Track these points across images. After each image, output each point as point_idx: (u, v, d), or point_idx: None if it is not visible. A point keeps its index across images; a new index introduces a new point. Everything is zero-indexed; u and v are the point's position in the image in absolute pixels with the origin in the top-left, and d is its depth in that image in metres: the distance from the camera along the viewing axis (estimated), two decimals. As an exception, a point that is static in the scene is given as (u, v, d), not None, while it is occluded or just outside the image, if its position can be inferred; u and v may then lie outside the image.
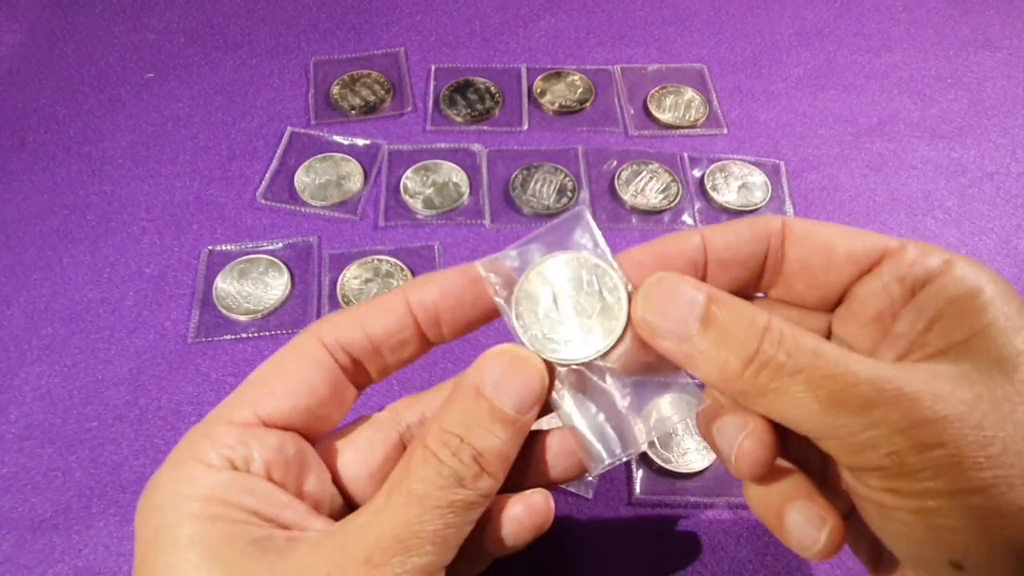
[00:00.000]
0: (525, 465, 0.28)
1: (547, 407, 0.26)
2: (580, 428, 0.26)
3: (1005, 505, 0.20)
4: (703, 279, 0.27)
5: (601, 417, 0.26)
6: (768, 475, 0.25)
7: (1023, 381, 0.22)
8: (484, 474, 0.24)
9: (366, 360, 0.27)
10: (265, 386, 0.26)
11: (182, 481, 0.24)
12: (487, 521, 0.27)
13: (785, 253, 0.27)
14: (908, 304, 0.25)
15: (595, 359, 0.26)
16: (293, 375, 0.26)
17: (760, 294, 0.29)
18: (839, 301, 0.28)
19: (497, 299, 0.26)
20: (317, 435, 0.28)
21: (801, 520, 0.25)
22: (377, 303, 0.27)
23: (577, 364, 0.26)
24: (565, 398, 0.26)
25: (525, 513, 0.27)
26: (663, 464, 0.41)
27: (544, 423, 0.28)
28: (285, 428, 0.26)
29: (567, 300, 0.26)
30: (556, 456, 0.28)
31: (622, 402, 0.26)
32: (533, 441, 0.28)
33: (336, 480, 0.28)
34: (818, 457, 0.28)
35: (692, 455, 0.42)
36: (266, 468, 0.25)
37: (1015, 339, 0.22)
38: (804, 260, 0.27)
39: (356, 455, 0.28)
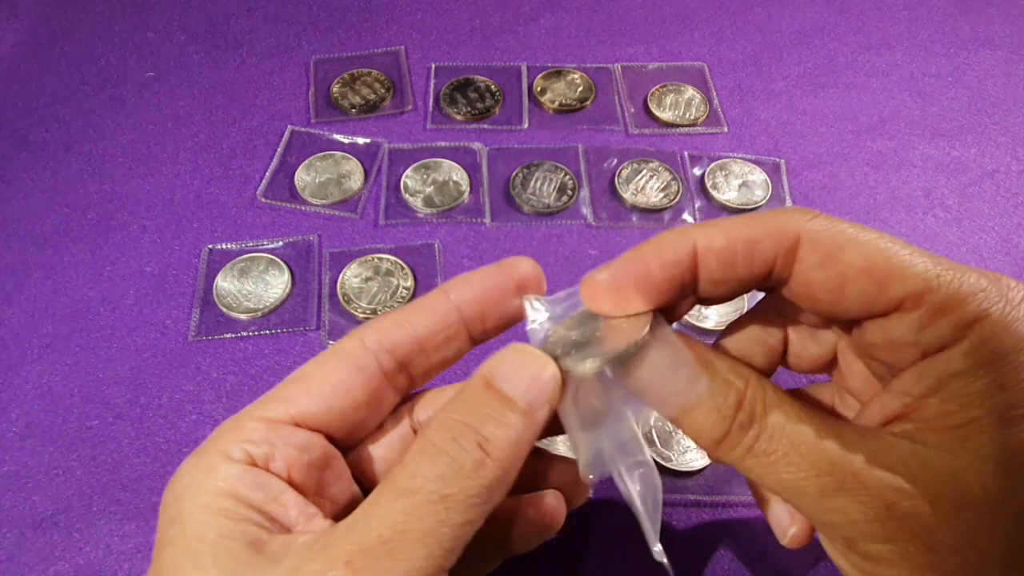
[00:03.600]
0: (534, 476, 0.28)
1: (558, 421, 0.25)
2: (583, 438, 0.25)
3: None
4: (693, 284, 0.25)
5: (606, 428, 0.25)
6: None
7: (997, 499, 0.21)
8: (488, 460, 0.22)
9: (411, 361, 0.27)
10: (302, 385, 0.25)
11: (201, 470, 0.23)
12: (496, 522, 0.25)
13: (792, 274, 0.24)
14: (913, 367, 0.23)
15: (603, 368, 0.24)
16: (330, 377, 0.25)
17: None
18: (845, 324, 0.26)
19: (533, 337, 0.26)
20: (351, 440, 0.27)
21: (782, 512, 0.29)
22: (418, 305, 0.27)
23: (584, 371, 0.25)
24: (571, 408, 0.25)
25: (537, 515, 0.27)
26: (662, 462, 0.41)
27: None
28: (315, 429, 0.25)
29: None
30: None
31: (629, 415, 0.26)
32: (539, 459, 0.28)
33: (360, 482, 0.27)
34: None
35: (691, 454, 0.42)
36: (287, 467, 0.24)
37: (1007, 433, 0.21)
38: (810, 295, 0.24)
39: (376, 453, 0.27)
